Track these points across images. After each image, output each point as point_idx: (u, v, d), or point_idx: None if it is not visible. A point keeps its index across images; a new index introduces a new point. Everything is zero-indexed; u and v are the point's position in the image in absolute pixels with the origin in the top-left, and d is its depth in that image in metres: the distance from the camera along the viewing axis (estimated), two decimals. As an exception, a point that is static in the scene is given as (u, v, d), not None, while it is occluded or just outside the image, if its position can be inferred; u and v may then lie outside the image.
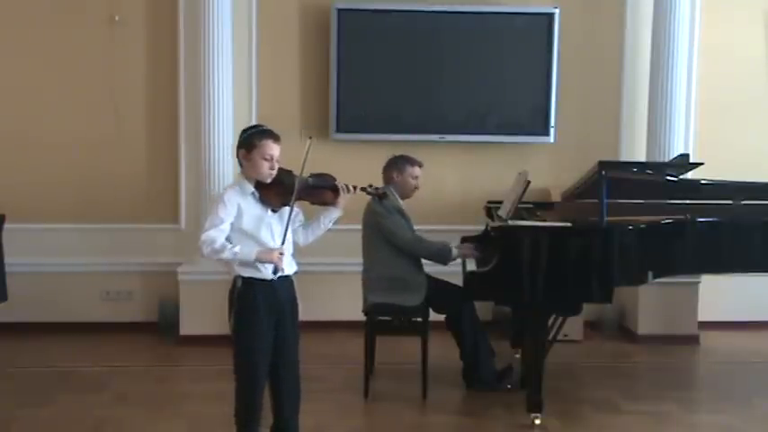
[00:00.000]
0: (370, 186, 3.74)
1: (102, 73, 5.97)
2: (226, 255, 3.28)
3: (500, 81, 6.10)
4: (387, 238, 4.71)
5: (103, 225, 6.01)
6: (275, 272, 3.33)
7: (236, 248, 3.28)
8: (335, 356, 5.40)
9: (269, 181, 3.36)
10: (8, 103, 5.96)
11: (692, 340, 5.91)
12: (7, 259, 5.43)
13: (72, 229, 5.99)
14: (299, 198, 3.41)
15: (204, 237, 3.28)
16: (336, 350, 5.51)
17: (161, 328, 5.96)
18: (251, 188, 3.36)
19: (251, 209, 3.35)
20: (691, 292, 5.89)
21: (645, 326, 5.93)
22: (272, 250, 3.32)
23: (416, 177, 4.88)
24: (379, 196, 3.91)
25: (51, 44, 5.93)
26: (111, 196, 6.02)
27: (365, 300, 4.78)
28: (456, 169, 6.13)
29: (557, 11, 6.00)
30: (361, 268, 4.89)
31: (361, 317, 4.79)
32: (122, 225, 6.02)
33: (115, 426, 4.29)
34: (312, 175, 3.49)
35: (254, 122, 5.93)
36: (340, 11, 5.91)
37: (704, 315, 5.96)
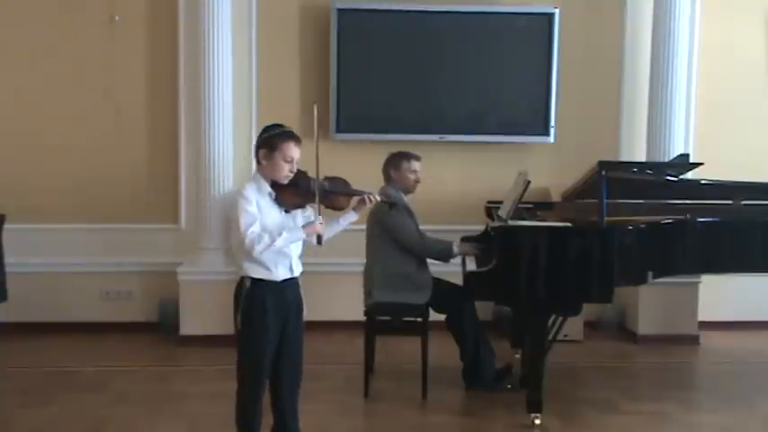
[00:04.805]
0: (383, 196, 3.86)
1: (102, 73, 5.98)
2: (279, 243, 3.28)
3: (500, 81, 6.10)
4: (391, 235, 4.71)
5: (103, 225, 6.01)
6: (319, 241, 3.38)
7: (284, 233, 3.29)
8: (335, 356, 5.39)
9: (285, 182, 3.37)
10: (8, 103, 5.96)
11: (692, 340, 5.91)
12: (7, 259, 5.42)
13: (72, 229, 5.99)
14: (313, 200, 3.42)
15: (251, 235, 3.24)
16: (336, 350, 5.51)
17: (161, 328, 5.96)
18: (268, 188, 3.36)
19: (267, 208, 3.34)
20: (691, 292, 5.89)
21: (645, 326, 5.93)
22: (312, 222, 3.38)
23: (414, 171, 4.86)
24: (389, 204, 4.10)
25: (51, 44, 5.94)
26: (112, 196, 6.02)
27: (369, 295, 4.76)
28: (456, 169, 6.13)
29: (557, 11, 6.00)
30: (360, 268, 4.89)
31: (361, 317, 4.78)
32: (122, 225, 6.02)
33: (115, 426, 4.29)
34: (327, 179, 3.50)
35: (254, 122, 5.98)
36: (340, 11, 5.91)
37: (704, 315, 5.96)
